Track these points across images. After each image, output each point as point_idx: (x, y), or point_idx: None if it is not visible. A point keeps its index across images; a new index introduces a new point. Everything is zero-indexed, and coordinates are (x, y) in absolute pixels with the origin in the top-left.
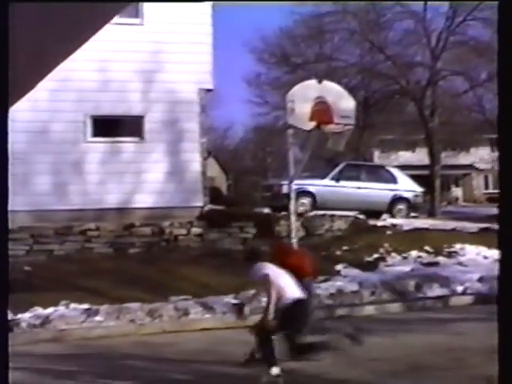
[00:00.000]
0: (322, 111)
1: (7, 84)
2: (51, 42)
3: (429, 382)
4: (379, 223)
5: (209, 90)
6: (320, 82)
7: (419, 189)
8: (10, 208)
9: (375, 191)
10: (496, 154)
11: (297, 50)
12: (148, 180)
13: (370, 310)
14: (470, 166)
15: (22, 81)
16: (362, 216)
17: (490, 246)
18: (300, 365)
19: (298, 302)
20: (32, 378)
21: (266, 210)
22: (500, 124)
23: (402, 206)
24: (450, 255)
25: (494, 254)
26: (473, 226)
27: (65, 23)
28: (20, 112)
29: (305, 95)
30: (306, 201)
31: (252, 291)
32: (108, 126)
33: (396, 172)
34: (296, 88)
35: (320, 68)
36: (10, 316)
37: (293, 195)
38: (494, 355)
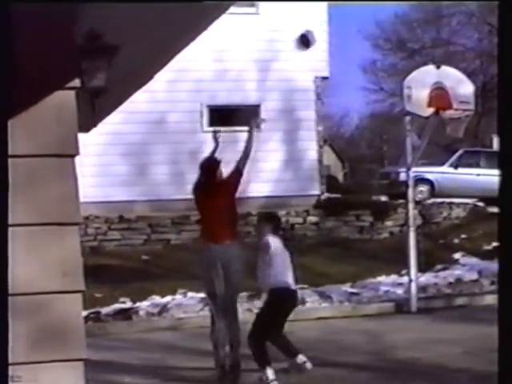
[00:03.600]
0: (441, 97)
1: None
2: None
3: None
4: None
5: (324, 78)
6: (438, 67)
7: None
8: (128, 198)
9: (495, 178)
10: None
11: (413, 36)
12: (264, 169)
13: (490, 299)
14: None
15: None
16: (481, 203)
17: None
18: (420, 355)
19: None
20: (146, 364)
21: (384, 198)
22: (500, 125)
23: None
24: None
25: None
26: None
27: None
28: (137, 103)
29: (422, 81)
30: (424, 188)
31: (370, 280)
32: (224, 116)
33: None
34: (413, 74)
35: (437, 53)
36: (128, 304)
37: (411, 183)
38: None
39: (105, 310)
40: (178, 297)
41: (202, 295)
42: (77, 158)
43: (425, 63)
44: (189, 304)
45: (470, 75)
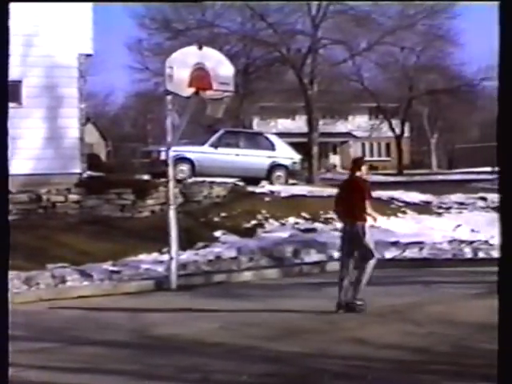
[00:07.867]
0: (201, 77)
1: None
2: None
3: (303, 344)
4: (257, 190)
5: (88, 55)
6: (200, 48)
7: (297, 156)
8: None
9: (254, 158)
10: (373, 121)
11: (178, 16)
12: (25, 146)
13: (247, 275)
14: (348, 134)
15: None
16: (240, 183)
17: None
18: (179, 331)
19: None
20: None
21: (145, 177)
22: (500, 125)
23: (280, 173)
24: (326, 221)
25: None
26: None
27: None
28: None
29: (184, 61)
30: (184, 167)
31: (131, 258)
32: None
33: (274, 139)
34: (175, 54)
35: (202, 35)
36: None
37: (171, 161)
38: (369, 318)
39: None
40: None
41: None
42: None
43: (190, 44)
44: None
45: (233, 57)
